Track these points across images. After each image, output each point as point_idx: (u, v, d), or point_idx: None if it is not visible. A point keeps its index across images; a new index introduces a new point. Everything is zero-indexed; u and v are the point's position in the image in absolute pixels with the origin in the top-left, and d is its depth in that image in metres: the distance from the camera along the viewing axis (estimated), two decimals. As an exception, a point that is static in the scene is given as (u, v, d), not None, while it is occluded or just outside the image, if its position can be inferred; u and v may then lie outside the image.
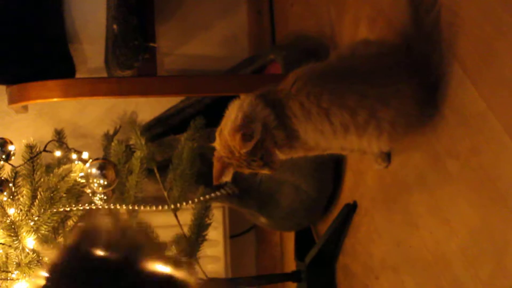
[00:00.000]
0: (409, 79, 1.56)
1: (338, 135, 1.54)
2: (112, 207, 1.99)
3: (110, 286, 0.90)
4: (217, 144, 1.57)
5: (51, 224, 1.88)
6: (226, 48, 2.85)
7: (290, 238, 2.57)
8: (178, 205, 2.11)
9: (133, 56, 2.34)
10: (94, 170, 1.85)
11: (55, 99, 2.05)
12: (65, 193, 1.92)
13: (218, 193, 2.09)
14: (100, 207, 1.98)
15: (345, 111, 1.51)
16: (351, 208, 2.09)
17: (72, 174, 1.92)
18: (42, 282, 0.91)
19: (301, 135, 1.55)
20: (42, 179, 1.90)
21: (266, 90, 1.58)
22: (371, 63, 1.57)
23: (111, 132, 2.47)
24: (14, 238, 1.79)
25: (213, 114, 2.43)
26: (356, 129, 1.53)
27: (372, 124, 1.53)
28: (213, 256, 2.78)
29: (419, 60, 1.62)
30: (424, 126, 1.64)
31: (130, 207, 2.05)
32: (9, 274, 1.81)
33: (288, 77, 1.57)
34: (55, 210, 1.88)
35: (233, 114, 1.55)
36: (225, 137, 1.54)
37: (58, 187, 1.89)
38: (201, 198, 2.11)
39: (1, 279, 1.82)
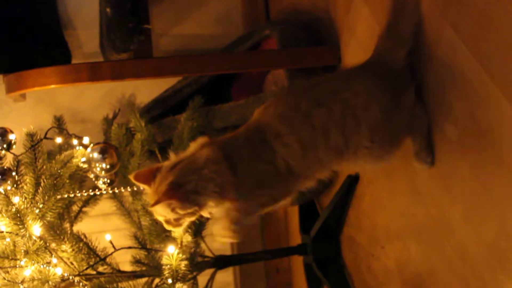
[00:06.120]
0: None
1: (324, 136, 1.52)
2: (116, 190, 2.00)
3: None
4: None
5: (56, 211, 1.89)
6: (220, 26, 2.84)
7: (294, 212, 2.59)
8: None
9: (128, 39, 2.33)
10: (95, 155, 1.86)
11: (52, 86, 2.05)
12: (68, 179, 1.93)
13: None
14: (104, 191, 1.99)
15: (322, 109, 1.50)
16: (354, 179, 2.10)
17: (74, 160, 1.93)
18: None
19: (292, 147, 1.50)
20: (44, 166, 1.90)
21: (226, 138, 1.53)
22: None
23: (110, 116, 2.47)
24: (20, 226, 1.80)
25: (210, 92, 2.45)
26: (336, 126, 1.51)
27: (348, 115, 1.51)
28: (219, 234, 2.79)
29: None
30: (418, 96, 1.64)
31: (135, 188, 2.06)
32: (18, 262, 1.83)
33: (254, 113, 1.56)
34: (59, 196, 1.89)
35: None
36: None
37: (61, 173, 1.89)
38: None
39: (10, 267, 1.84)
